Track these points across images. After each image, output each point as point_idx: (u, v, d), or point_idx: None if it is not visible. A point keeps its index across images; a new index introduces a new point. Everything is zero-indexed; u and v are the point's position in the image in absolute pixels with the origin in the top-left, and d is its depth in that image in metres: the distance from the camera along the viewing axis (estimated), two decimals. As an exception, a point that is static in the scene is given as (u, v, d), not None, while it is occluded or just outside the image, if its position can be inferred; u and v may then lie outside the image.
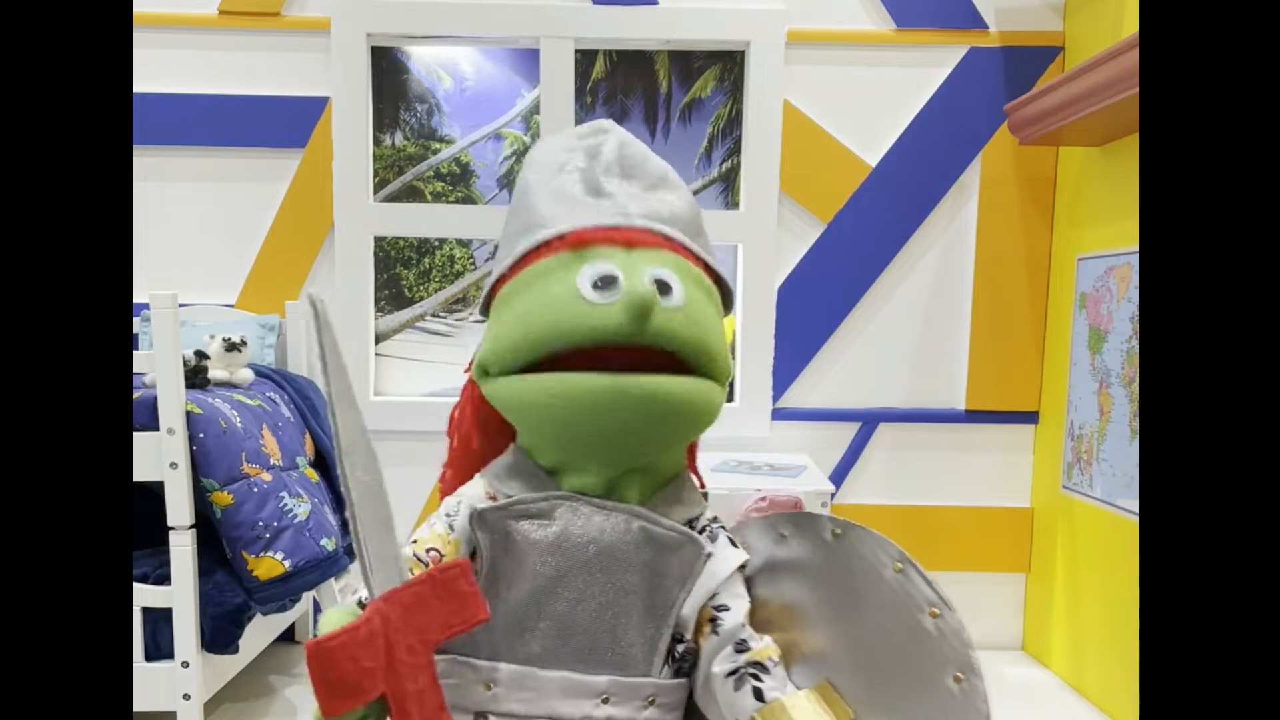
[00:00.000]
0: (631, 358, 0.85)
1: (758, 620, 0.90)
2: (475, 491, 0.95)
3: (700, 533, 0.91)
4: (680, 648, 0.88)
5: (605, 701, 0.84)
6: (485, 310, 0.98)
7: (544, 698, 0.84)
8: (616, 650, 0.85)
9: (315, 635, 0.70)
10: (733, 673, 0.85)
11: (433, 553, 0.89)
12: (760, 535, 0.95)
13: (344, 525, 2.06)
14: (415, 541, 0.90)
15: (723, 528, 0.94)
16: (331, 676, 0.67)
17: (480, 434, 1.02)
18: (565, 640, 0.85)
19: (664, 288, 0.86)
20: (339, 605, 0.81)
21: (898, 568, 0.81)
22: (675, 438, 0.91)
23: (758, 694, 0.83)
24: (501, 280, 0.94)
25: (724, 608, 0.88)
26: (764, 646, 0.87)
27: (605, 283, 0.85)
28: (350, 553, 2.07)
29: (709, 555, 0.87)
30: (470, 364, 1.00)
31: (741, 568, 0.91)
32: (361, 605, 0.81)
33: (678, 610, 0.86)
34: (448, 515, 0.92)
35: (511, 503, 0.88)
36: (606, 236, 0.88)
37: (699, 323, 0.87)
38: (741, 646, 0.86)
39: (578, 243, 0.88)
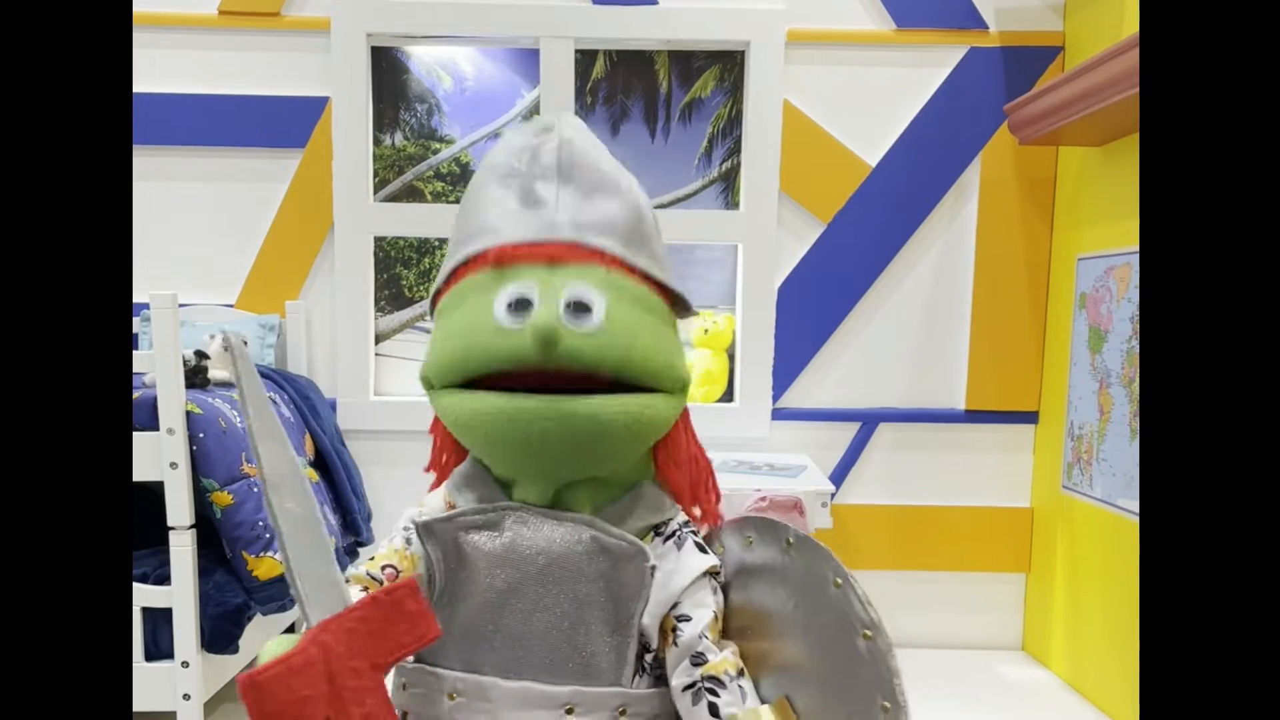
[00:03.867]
0: (556, 378, 0.83)
1: (735, 628, 0.89)
2: (435, 503, 0.95)
3: (668, 539, 0.90)
4: (648, 657, 0.87)
5: (570, 712, 0.83)
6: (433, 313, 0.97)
7: (506, 708, 0.83)
8: (579, 660, 0.84)
9: (253, 665, 0.69)
10: (689, 687, 0.83)
11: (388, 569, 0.88)
12: (731, 539, 0.93)
13: (345, 526, 2.07)
14: (373, 558, 0.89)
15: (693, 533, 0.92)
16: (268, 709, 0.66)
17: (451, 446, 1.01)
18: (525, 651, 0.84)
19: (581, 309, 0.83)
20: (279, 636, 0.78)
21: (837, 583, 0.77)
22: (608, 454, 0.87)
23: (713, 709, 0.81)
24: (440, 292, 0.93)
25: (685, 618, 0.86)
26: (721, 660, 0.84)
27: (519, 306, 0.83)
28: (350, 552, 2.07)
29: (653, 567, 0.85)
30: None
31: (713, 574, 0.89)
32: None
33: (638, 620, 0.85)
34: (405, 529, 0.92)
35: (457, 514, 0.87)
36: (528, 253, 0.86)
37: (620, 341, 0.84)
38: (698, 659, 0.84)
39: (499, 260, 0.86)
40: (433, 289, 0.96)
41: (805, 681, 0.80)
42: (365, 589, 0.85)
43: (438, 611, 0.85)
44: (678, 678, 0.84)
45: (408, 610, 0.72)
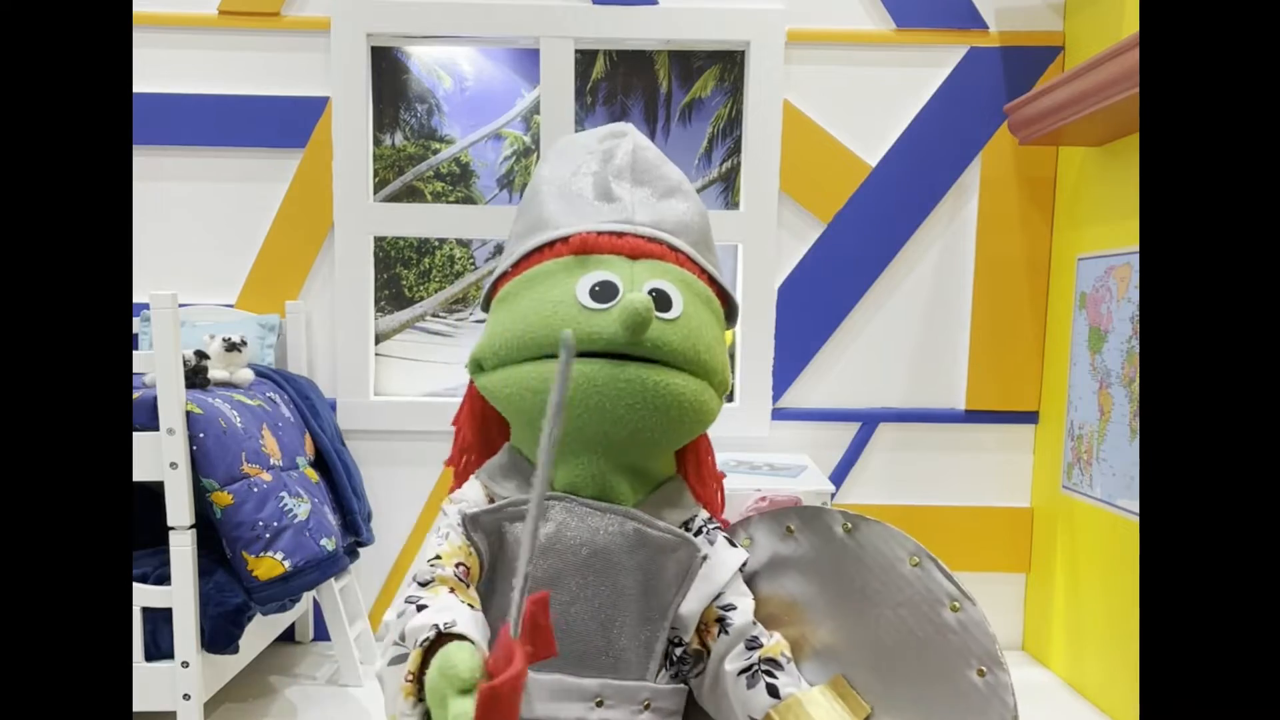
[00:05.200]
0: (623, 358, 0.85)
1: (762, 616, 0.90)
2: (474, 494, 0.94)
3: (696, 534, 0.91)
4: (679, 650, 0.88)
5: (599, 705, 0.83)
6: (486, 306, 0.98)
7: (537, 700, 0.83)
8: (610, 653, 0.85)
9: (470, 674, 0.67)
10: (745, 670, 0.85)
11: (461, 567, 0.87)
12: (766, 531, 0.94)
13: (345, 526, 2.06)
14: (439, 558, 0.88)
15: (718, 529, 0.94)
16: (507, 717, 0.65)
17: (476, 432, 1.02)
18: (559, 643, 0.84)
19: (663, 300, 0.86)
20: (459, 643, 0.74)
21: (914, 561, 0.81)
22: (667, 431, 0.89)
23: (772, 690, 0.83)
24: (504, 278, 0.94)
25: (730, 607, 0.87)
26: (775, 643, 0.87)
27: (604, 290, 0.85)
28: (350, 552, 2.07)
29: (704, 557, 0.86)
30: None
31: (741, 568, 0.91)
32: (441, 633, 0.76)
33: (674, 612, 0.85)
34: (459, 527, 0.90)
35: (504, 504, 0.87)
36: (611, 245, 0.88)
37: (693, 335, 0.87)
38: (753, 643, 0.86)
39: (581, 248, 0.88)
40: (495, 274, 0.96)
41: (861, 661, 0.82)
42: (452, 589, 0.84)
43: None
44: (731, 662, 0.86)
45: (540, 624, 0.70)
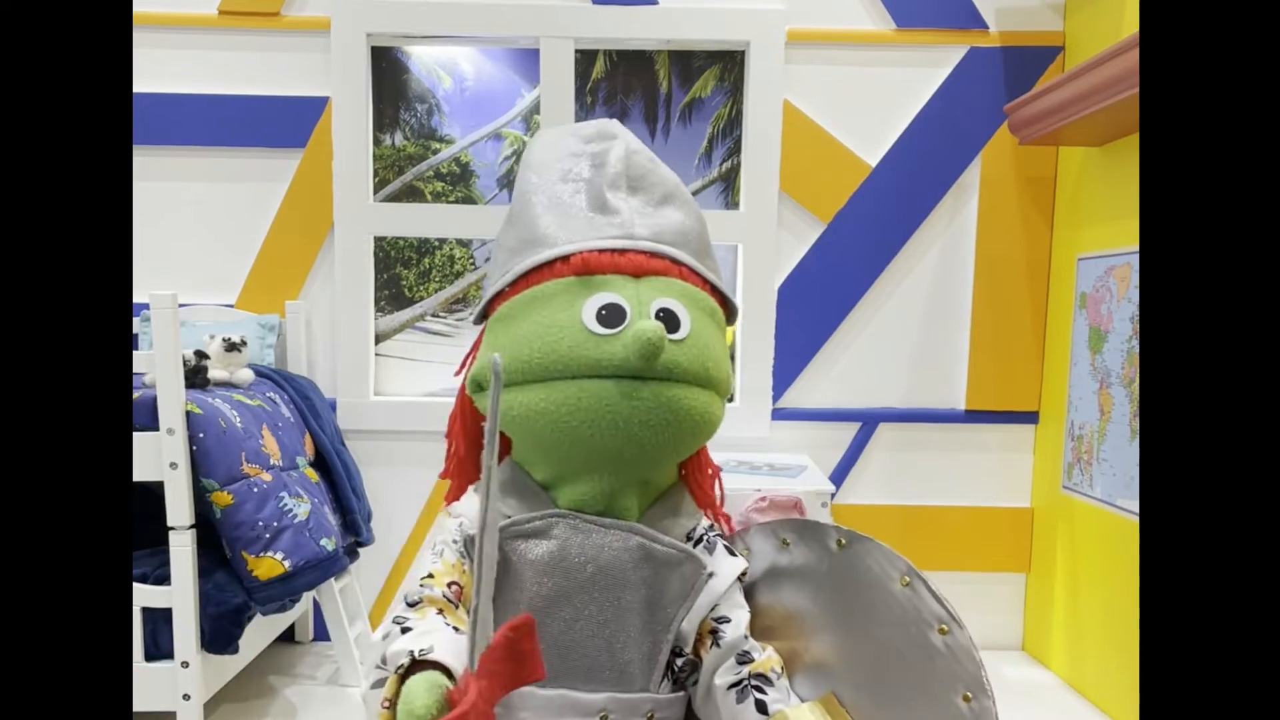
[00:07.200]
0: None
1: (760, 628, 0.89)
2: (472, 510, 0.93)
3: (698, 543, 0.91)
4: (680, 661, 0.87)
5: (604, 719, 0.83)
6: (480, 320, 0.97)
7: (542, 716, 0.83)
8: (614, 667, 0.84)
9: (425, 710, 0.66)
10: (735, 685, 0.84)
11: (454, 586, 0.87)
12: (763, 542, 0.93)
13: (345, 526, 2.06)
14: (432, 576, 0.87)
15: (720, 537, 0.93)
16: None
17: (468, 442, 1.01)
18: (564, 659, 0.84)
19: (671, 321, 0.85)
20: (424, 675, 0.72)
21: (905, 581, 0.80)
22: (678, 446, 0.89)
23: (761, 706, 0.83)
24: (501, 295, 0.92)
25: (724, 619, 0.87)
26: (767, 658, 0.86)
27: (611, 314, 0.84)
28: (350, 552, 2.07)
29: (710, 574, 0.86)
30: (461, 368, 1.00)
31: (740, 576, 0.91)
32: (415, 660, 0.76)
33: (677, 626, 0.85)
34: (455, 543, 0.91)
35: (508, 524, 0.87)
36: (613, 264, 0.87)
37: (702, 351, 0.87)
38: (744, 658, 0.85)
39: (583, 268, 0.86)
40: (492, 291, 0.94)
41: (852, 679, 0.82)
42: (440, 611, 0.84)
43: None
44: (722, 676, 0.85)
45: (522, 650, 0.69)
